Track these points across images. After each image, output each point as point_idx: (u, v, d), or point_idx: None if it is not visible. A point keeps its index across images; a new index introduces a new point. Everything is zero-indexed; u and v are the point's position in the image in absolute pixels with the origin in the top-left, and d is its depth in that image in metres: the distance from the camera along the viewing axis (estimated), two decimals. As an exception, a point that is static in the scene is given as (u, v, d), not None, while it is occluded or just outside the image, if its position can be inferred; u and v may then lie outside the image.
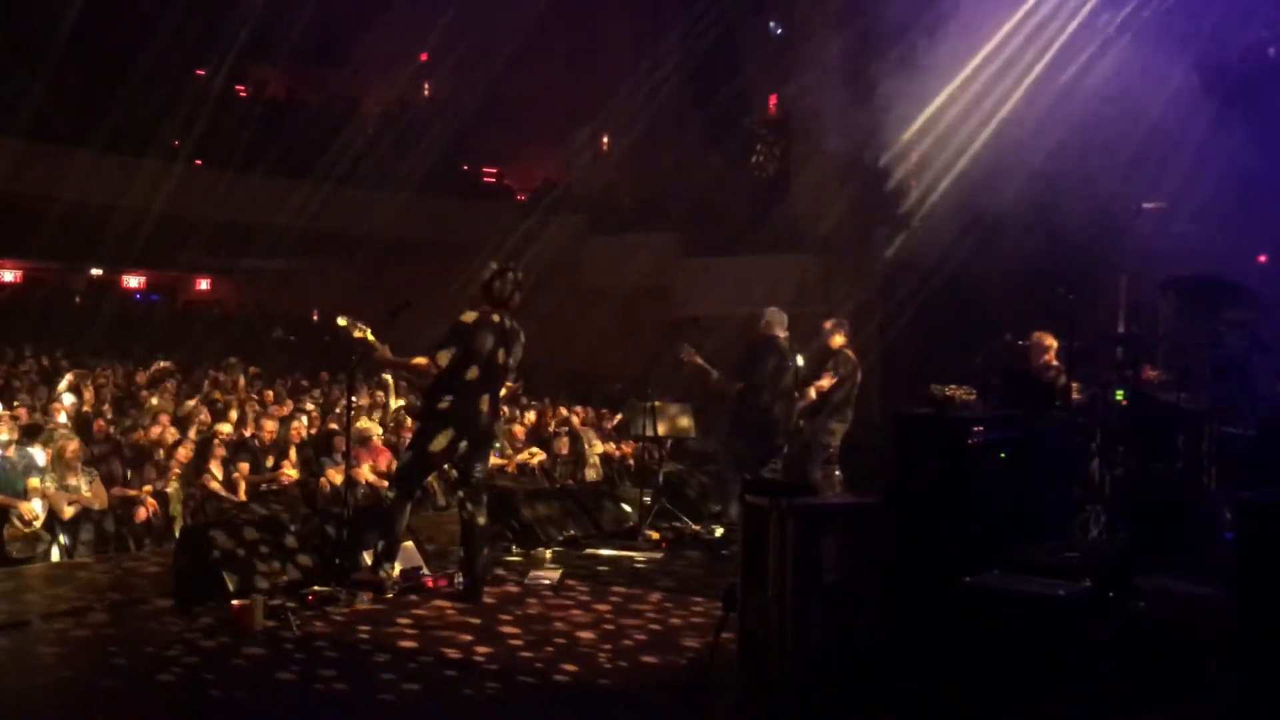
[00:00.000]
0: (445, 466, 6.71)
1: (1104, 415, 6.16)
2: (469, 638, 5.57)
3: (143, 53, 16.03)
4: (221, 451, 9.35)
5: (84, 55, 16.28)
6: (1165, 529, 5.51)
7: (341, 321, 6.73)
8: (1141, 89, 10.22)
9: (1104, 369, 6.61)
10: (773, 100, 19.15)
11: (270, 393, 12.83)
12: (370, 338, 6.55)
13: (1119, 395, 6.26)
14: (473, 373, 6.28)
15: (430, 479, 9.90)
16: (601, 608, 6.25)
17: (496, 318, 6.38)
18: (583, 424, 13.24)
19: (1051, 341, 7.61)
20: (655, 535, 8.56)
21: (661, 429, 9.49)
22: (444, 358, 6.23)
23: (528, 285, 6.58)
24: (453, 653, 5.30)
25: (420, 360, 6.33)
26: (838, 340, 8.86)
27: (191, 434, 9.76)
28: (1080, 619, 4.10)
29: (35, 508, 7.85)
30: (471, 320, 6.31)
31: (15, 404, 10.34)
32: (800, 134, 17.60)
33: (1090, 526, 5.45)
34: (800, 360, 8.55)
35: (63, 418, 9.92)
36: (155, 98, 16.30)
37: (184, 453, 9.16)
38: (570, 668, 5.08)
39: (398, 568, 6.49)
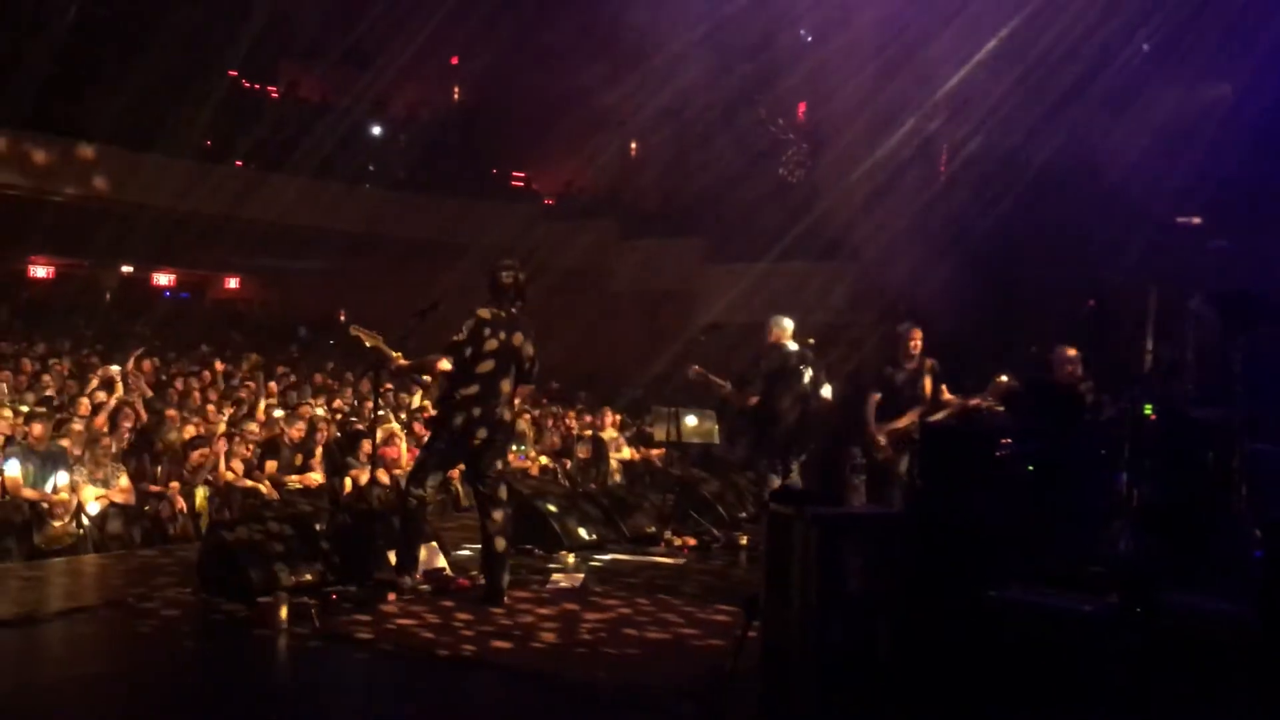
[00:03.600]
0: (464, 467, 6.74)
1: (1133, 429, 6.11)
2: (488, 639, 5.58)
3: (176, 53, 16.18)
4: (244, 450, 9.43)
5: (115, 55, 16.44)
6: (1193, 546, 5.45)
7: (354, 332, 6.79)
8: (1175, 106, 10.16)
9: (1133, 382, 6.56)
10: (801, 107, 19.13)
11: (295, 393, 12.92)
12: (383, 347, 6.59)
13: (1148, 409, 6.21)
14: (486, 372, 6.30)
15: (455, 480, 9.96)
16: (623, 612, 6.25)
17: (505, 317, 6.41)
18: (612, 427, 13.25)
19: (1074, 353, 7.55)
20: (678, 541, 8.57)
21: (685, 435, 9.49)
22: (456, 358, 6.26)
23: (531, 284, 6.61)
24: (470, 652, 5.32)
25: (433, 361, 6.36)
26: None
27: (219, 430, 9.84)
28: (1105, 634, 4.07)
29: (66, 501, 7.94)
30: (481, 320, 6.33)
31: (47, 399, 10.46)
32: (829, 141, 17.57)
33: (1117, 541, 5.40)
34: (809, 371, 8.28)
35: (93, 413, 10.00)
36: (188, 97, 16.46)
37: (209, 450, 9.24)
38: (589, 671, 5.08)
39: (420, 568, 6.53)
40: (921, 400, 7.88)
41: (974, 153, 13.15)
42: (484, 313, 6.37)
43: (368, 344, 6.61)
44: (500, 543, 6.41)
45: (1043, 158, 11.77)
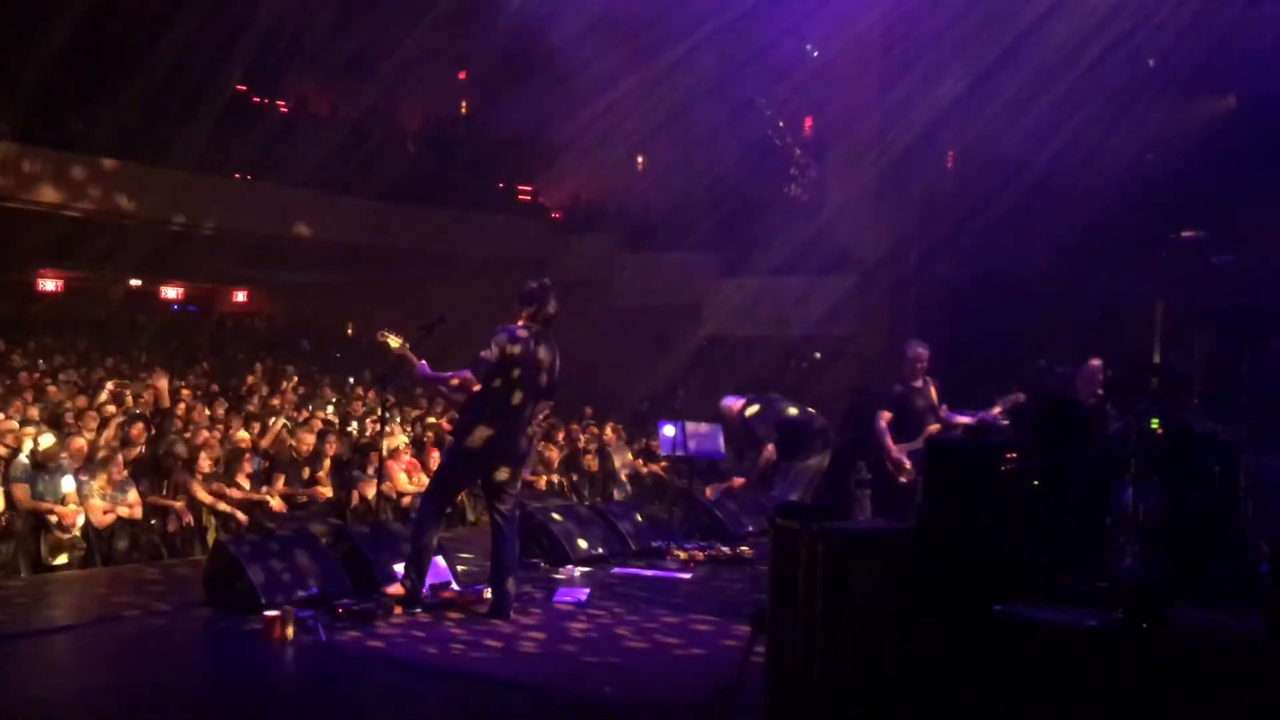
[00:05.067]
0: (477, 481, 6.74)
1: (1139, 443, 6.10)
2: (494, 653, 5.59)
3: (184, 67, 16.27)
4: (247, 462, 9.46)
5: (121, 68, 16.53)
6: (1200, 561, 5.44)
7: (381, 337, 6.83)
8: (1181, 119, 10.17)
9: (1139, 397, 6.54)
10: (808, 122, 19.18)
11: (305, 411, 12.94)
12: (408, 353, 6.62)
13: (1154, 423, 6.19)
14: (509, 388, 6.31)
15: (461, 494, 9.96)
16: (628, 626, 6.25)
17: (534, 334, 6.43)
18: (616, 440, 13.27)
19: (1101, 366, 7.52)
20: (684, 555, 8.56)
21: (692, 448, 9.48)
22: (483, 373, 6.27)
23: (560, 303, 6.62)
24: (475, 665, 5.32)
25: (459, 376, 6.37)
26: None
27: (215, 443, 9.87)
28: (1112, 650, 4.05)
29: (73, 514, 7.96)
30: (511, 337, 6.35)
31: (55, 412, 10.49)
32: (835, 155, 17.62)
33: (1123, 556, 5.39)
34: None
35: (101, 427, 10.03)
36: (196, 110, 16.52)
37: (213, 462, 9.27)
38: (595, 685, 5.08)
39: (426, 581, 6.53)
40: (936, 418, 7.81)
41: (979, 166, 13.17)
42: (514, 329, 6.38)
43: (394, 348, 6.64)
44: (508, 556, 6.42)
45: (1047, 171, 11.79)
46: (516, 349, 6.30)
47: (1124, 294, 9.05)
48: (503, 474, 6.39)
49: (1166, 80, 11.29)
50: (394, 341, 6.66)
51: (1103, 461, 5.58)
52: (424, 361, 6.60)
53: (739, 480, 9.16)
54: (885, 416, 7.87)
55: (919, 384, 7.95)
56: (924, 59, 13.66)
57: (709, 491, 9.38)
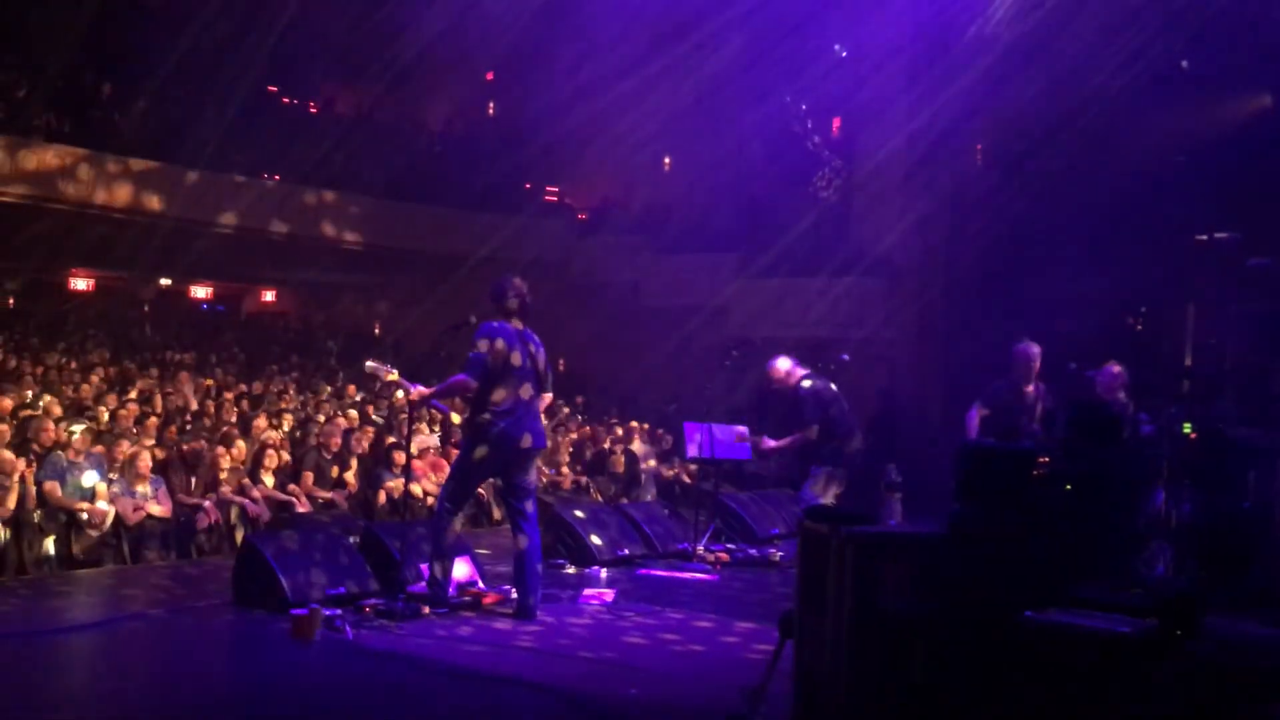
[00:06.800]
0: (494, 479, 6.74)
1: (1171, 448, 6.04)
2: (519, 654, 5.59)
3: (215, 69, 16.39)
4: (274, 461, 9.51)
5: (152, 68, 16.65)
6: (1234, 568, 5.38)
7: (369, 370, 6.84)
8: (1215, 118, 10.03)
9: (1171, 400, 6.48)
10: (836, 122, 19.08)
11: (327, 405, 13.01)
12: (400, 380, 6.64)
13: (1186, 428, 6.13)
14: (509, 380, 6.30)
15: (487, 494, 9.99)
16: (654, 629, 6.24)
17: (515, 326, 6.43)
18: (641, 441, 13.26)
19: (1120, 370, 7.43)
20: (710, 557, 8.54)
21: (717, 449, 9.45)
22: (479, 372, 6.26)
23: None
24: (501, 666, 5.31)
25: (452, 383, 6.37)
26: None
27: (241, 441, 9.94)
28: (1145, 658, 4.01)
29: (103, 512, 8.03)
30: (496, 330, 6.34)
31: (85, 410, 10.60)
32: (862, 151, 17.51)
33: (1157, 563, 5.33)
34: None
35: (132, 424, 10.12)
36: (226, 112, 16.63)
37: (238, 460, 9.34)
38: (621, 687, 5.07)
39: (453, 581, 6.54)
40: (1028, 429, 7.21)
41: (1008, 162, 13.07)
42: (498, 324, 6.39)
43: (385, 378, 6.67)
44: (533, 557, 6.42)
45: (1077, 170, 11.68)
46: (502, 342, 6.30)
47: (1156, 296, 8.95)
48: (516, 467, 6.38)
49: (1199, 78, 11.16)
50: (385, 374, 6.69)
51: (1135, 466, 5.53)
52: (418, 385, 6.62)
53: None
54: (979, 411, 7.32)
55: (1030, 389, 7.40)
56: (951, 53, 13.57)
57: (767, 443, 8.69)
